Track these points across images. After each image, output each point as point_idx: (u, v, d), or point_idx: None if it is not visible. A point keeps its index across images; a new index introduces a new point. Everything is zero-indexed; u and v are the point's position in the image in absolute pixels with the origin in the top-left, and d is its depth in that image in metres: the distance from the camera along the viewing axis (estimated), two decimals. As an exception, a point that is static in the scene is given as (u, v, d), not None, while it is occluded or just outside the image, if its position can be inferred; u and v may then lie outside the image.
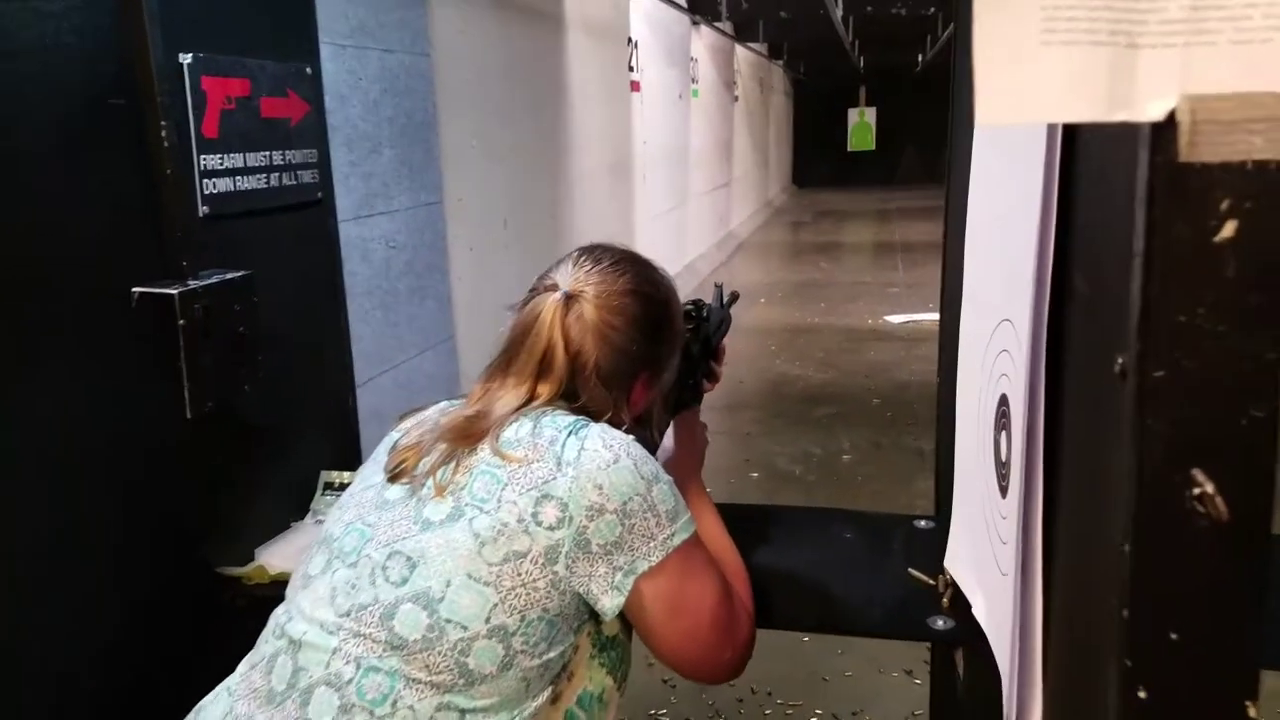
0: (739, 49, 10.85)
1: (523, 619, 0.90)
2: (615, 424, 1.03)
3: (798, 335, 6.43)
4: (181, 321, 1.15)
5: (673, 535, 0.94)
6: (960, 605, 1.10)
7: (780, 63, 14.04)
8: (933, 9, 8.71)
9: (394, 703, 0.88)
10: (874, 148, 15.25)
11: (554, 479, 0.91)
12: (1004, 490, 0.72)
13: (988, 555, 0.77)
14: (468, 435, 0.98)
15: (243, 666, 0.99)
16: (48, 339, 1.11)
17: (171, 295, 1.15)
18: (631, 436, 1.00)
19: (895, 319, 6.73)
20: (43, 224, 1.07)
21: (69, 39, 1.08)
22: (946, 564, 1.03)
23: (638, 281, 1.07)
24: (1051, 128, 0.61)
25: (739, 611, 1.03)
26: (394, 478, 1.00)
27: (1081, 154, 0.59)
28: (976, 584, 0.84)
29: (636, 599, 0.94)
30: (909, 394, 4.96)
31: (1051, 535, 0.66)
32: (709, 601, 0.98)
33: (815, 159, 18.01)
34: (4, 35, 1.02)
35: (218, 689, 0.99)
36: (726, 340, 1.30)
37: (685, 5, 7.28)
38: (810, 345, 6.14)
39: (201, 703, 0.98)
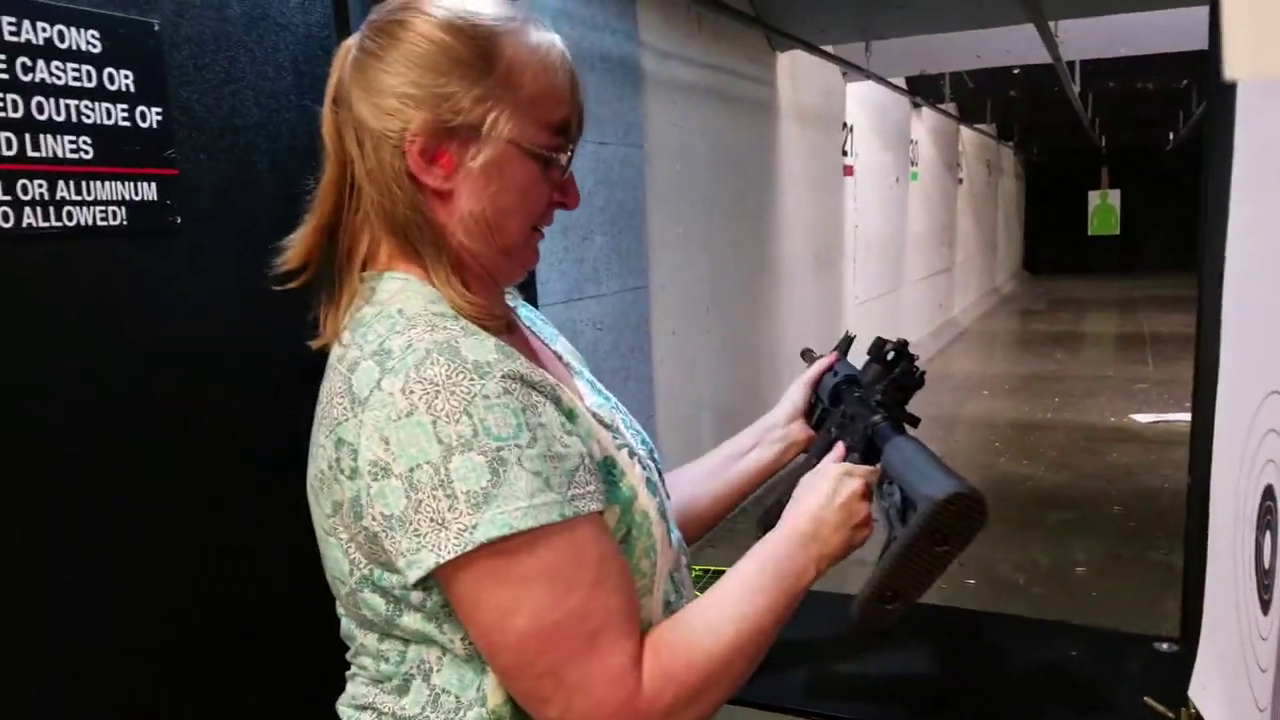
0: (964, 130, 10.50)
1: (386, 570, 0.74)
2: (456, 258, 0.78)
3: (1027, 432, 5.92)
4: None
5: (473, 528, 0.66)
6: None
7: (1011, 144, 13.42)
8: (1185, 81, 8.01)
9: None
10: (1118, 232, 14.05)
11: (345, 420, 0.72)
12: (1265, 605, 0.55)
13: (1243, 687, 0.59)
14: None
15: None
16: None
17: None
18: (478, 360, 0.69)
19: (1143, 418, 6.03)
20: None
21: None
22: (1191, 694, 0.82)
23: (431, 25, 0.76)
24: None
25: (595, 670, 0.69)
26: None
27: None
28: (1234, 736, 0.65)
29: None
30: (1159, 502, 4.37)
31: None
32: (520, 624, 0.68)
33: (1050, 244, 16.91)
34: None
35: None
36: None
37: (905, 88, 7.16)
38: (1041, 443, 5.62)
39: None
